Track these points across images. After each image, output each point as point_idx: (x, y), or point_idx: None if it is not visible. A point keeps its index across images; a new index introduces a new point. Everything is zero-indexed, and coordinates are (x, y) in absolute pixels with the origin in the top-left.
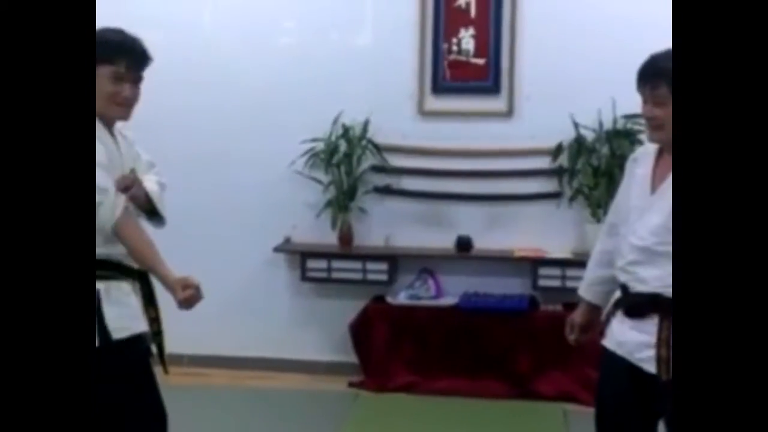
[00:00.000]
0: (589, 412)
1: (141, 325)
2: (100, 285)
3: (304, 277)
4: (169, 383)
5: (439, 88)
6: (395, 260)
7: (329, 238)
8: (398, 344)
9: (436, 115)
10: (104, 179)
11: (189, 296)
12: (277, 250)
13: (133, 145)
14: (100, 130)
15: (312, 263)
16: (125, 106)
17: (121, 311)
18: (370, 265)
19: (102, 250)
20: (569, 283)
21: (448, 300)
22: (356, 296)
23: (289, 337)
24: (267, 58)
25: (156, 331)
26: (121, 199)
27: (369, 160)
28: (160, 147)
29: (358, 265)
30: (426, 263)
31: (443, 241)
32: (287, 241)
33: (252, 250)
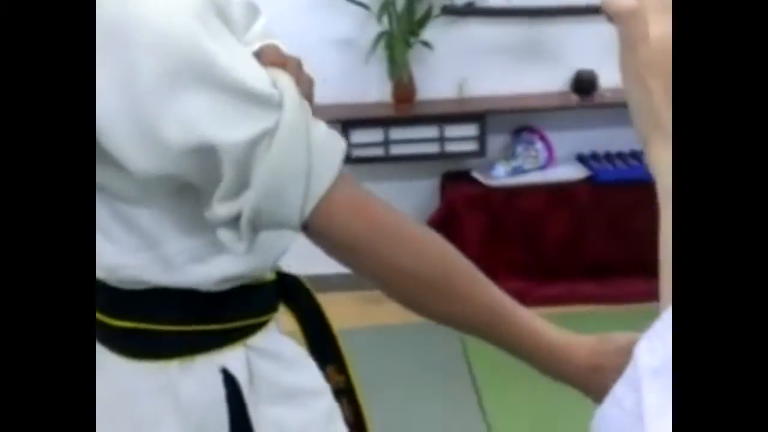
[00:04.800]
0: None
1: None
2: (233, 355)
3: (348, 158)
4: None
5: None
6: (484, 119)
7: (375, 94)
8: (498, 241)
9: None
10: (253, 64)
11: None
12: None
13: None
14: None
15: (359, 136)
16: None
17: (288, 414)
18: (451, 131)
19: (229, 265)
20: None
21: (570, 170)
22: (429, 176)
23: None
24: None
25: (357, 415)
26: (322, 130)
27: None
28: None
29: (431, 131)
30: (526, 118)
31: (551, 81)
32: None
33: None
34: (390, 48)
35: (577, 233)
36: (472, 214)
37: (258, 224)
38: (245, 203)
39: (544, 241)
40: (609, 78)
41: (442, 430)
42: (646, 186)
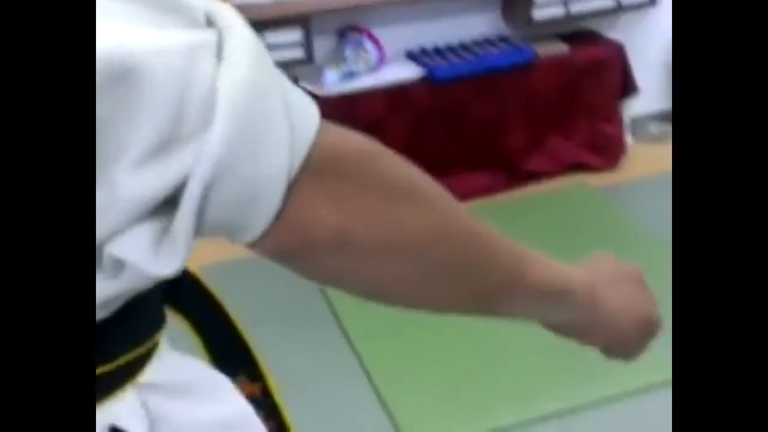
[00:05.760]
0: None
1: None
2: (123, 404)
3: None
4: None
5: None
6: (308, 21)
7: None
8: None
9: None
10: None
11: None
12: None
13: None
14: None
15: None
16: None
17: None
18: (272, 37)
19: (108, 282)
20: (575, 8)
21: (403, 70)
22: None
23: None
24: None
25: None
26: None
27: None
28: None
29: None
30: (352, 16)
31: None
32: None
33: None
34: None
35: (418, 134)
36: None
37: (213, 200)
38: (203, 154)
39: (385, 146)
40: None
41: (319, 378)
42: (481, 78)
